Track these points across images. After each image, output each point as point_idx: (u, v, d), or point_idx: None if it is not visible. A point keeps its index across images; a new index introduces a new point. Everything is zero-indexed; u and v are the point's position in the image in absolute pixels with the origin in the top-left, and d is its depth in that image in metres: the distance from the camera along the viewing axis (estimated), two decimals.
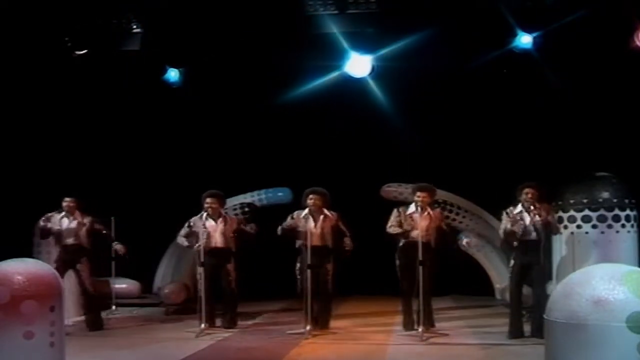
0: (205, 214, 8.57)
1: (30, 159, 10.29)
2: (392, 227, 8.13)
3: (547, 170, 9.21)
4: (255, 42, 9.53)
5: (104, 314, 9.22)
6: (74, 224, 8.57)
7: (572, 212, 8.40)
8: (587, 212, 8.32)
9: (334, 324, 8.56)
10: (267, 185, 11.12)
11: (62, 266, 8.26)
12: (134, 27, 9.65)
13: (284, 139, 11.16)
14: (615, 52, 8.97)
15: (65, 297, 5.51)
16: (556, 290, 4.28)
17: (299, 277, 8.25)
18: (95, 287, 8.83)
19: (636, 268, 4.32)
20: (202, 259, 8.30)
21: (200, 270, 8.46)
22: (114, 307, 9.95)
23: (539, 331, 7.01)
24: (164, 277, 11.04)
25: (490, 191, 9.92)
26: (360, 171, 11.05)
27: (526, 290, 7.89)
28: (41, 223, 8.57)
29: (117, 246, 8.79)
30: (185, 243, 8.79)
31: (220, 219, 8.62)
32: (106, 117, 10.91)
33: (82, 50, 9.74)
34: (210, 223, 8.55)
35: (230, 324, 8.62)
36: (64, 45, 9.67)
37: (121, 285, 10.48)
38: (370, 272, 10.55)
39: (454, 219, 10.53)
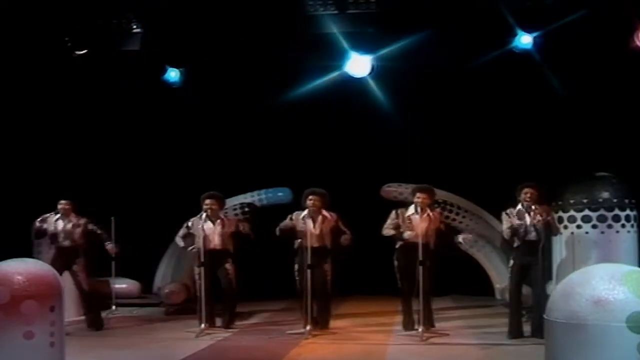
0: (204, 215, 8.58)
1: (31, 158, 10.29)
2: (386, 229, 8.14)
3: (547, 170, 9.21)
4: (255, 42, 9.53)
5: (104, 314, 9.23)
6: (69, 226, 8.61)
7: (572, 212, 8.40)
8: (587, 212, 8.31)
9: (333, 323, 8.56)
10: (267, 185, 11.11)
11: (58, 268, 8.25)
12: (134, 27, 9.65)
13: (284, 139, 11.15)
14: (615, 52, 8.97)
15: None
16: (556, 290, 4.28)
17: (297, 277, 8.27)
18: (93, 287, 8.85)
19: (636, 268, 4.32)
20: (202, 259, 8.30)
21: (198, 270, 8.47)
22: (114, 307, 9.94)
23: (538, 331, 7.00)
24: (164, 277, 11.04)
25: (490, 191, 9.91)
26: (360, 171, 11.04)
27: (526, 290, 7.89)
28: (37, 224, 8.61)
29: (109, 246, 8.80)
30: (182, 244, 8.81)
31: (218, 221, 8.62)
32: (106, 117, 10.92)
33: (82, 50, 9.74)
34: (208, 225, 8.55)
35: (228, 323, 8.63)
36: (64, 45, 9.67)
37: (121, 285, 10.47)
38: (370, 272, 10.54)
39: (454, 219, 10.53)
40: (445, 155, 10.82)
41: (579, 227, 8.34)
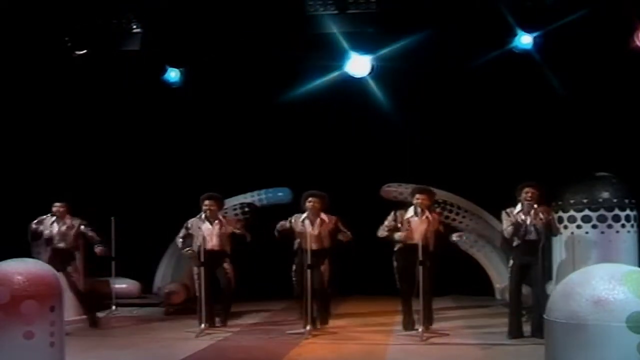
0: (203, 216, 8.58)
1: (31, 158, 10.30)
2: (381, 230, 8.13)
3: (547, 170, 9.20)
4: (255, 42, 9.53)
5: (104, 314, 9.23)
6: (63, 228, 8.64)
7: (572, 212, 8.39)
8: (587, 212, 8.31)
9: (333, 323, 8.56)
10: (267, 185, 11.12)
11: (54, 269, 8.27)
12: (134, 27, 9.65)
13: (284, 139, 11.15)
14: (615, 52, 8.97)
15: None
16: (556, 290, 4.28)
17: (294, 278, 8.29)
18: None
19: (636, 268, 4.33)
20: (202, 259, 8.30)
21: (197, 270, 8.47)
22: (114, 307, 9.95)
23: (538, 331, 7.01)
24: (164, 277, 11.04)
25: (490, 191, 9.91)
26: (360, 171, 11.04)
27: (526, 290, 7.89)
28: (33, 226, 8.62)
29: (98, 249, 8.79)
30: (181, 245, 8.82)
31: (217, 222, 8.62)
32: (106, 117, 10.91)
33: (82, 50, 9.75)
34: (206, 226, 8.56)
35: (224, 321, 8.64)
36: (64, 45, 9.67)
37: (121, 285, 10.48)
38: (370, 272, 10.53)
39: (454, 219, 10.53)
40: (445, 155, 10.81)
41: (579, 227, 8.34)
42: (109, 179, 11.00)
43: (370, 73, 9.97)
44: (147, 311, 10.19)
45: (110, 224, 9.58)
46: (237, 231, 8.76)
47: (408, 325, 8.19)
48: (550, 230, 7.75)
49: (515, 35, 9.19)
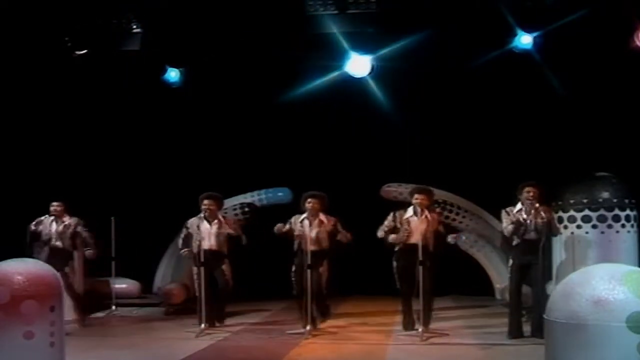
0: (202, 216, 8.59)
1: (31, 158, 10.30)
2: (380, 231, 8.13)
3: (547, 170, 9.20)
4: (255, 42, 9.53)
5: (104, 314, 9.22)
6: (60, 228, 8.66)
7: (572, 212, 8.39)
8: (587, 212, 8.31)
9: (333, 323, 8.56)
10: (267, 185, 11.12)
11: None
12: (134, 27, 9.65)
13: (284, 139, 11.16)
14: (615, 52, 8.97)
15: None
16: (556, 290, 4.28)
17: (293, 279, 8.31)
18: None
19: (636, 268, 4.33)
20: (201, 259, 8.30)
21: (197, 270, 8.47)
22: (114, 307, 9.95)
23: (538, 331, 7.00)
24: (164, 277, 11.04)
25: (490, 191, 9.91)
26: (360, 171, 11.04)
27: (526, 290, 7.89)
28: (32, 227, 8.64)
29: (87, 252, 8.80)
30: (180, 245, 8.82)
31: (216, 222, 8.62)
32: (106, 117, 10.91)
33: (82, 50, 9.75)
34: (205, 226, 8.56)
35: (220, 321, 8.65)
36: (64, 45, 9.68)
37: (121, 285, 10.47)
38: (370, 272, 10.53)
39: (454, 219, 10.53)
40: (445, 155, 10.82)
41: (579, 227, 8.33)
42: (109, 179, 11.01)
43: (370, 73, 9.97)
44: (147, 311, 10.19)
45: (110, 224, 9.57)
46: (233, 232, 8.75)
47: (408, 325, 8.19)
48: (550, 230, 7.75)
49: (515, 35, 9.19)
